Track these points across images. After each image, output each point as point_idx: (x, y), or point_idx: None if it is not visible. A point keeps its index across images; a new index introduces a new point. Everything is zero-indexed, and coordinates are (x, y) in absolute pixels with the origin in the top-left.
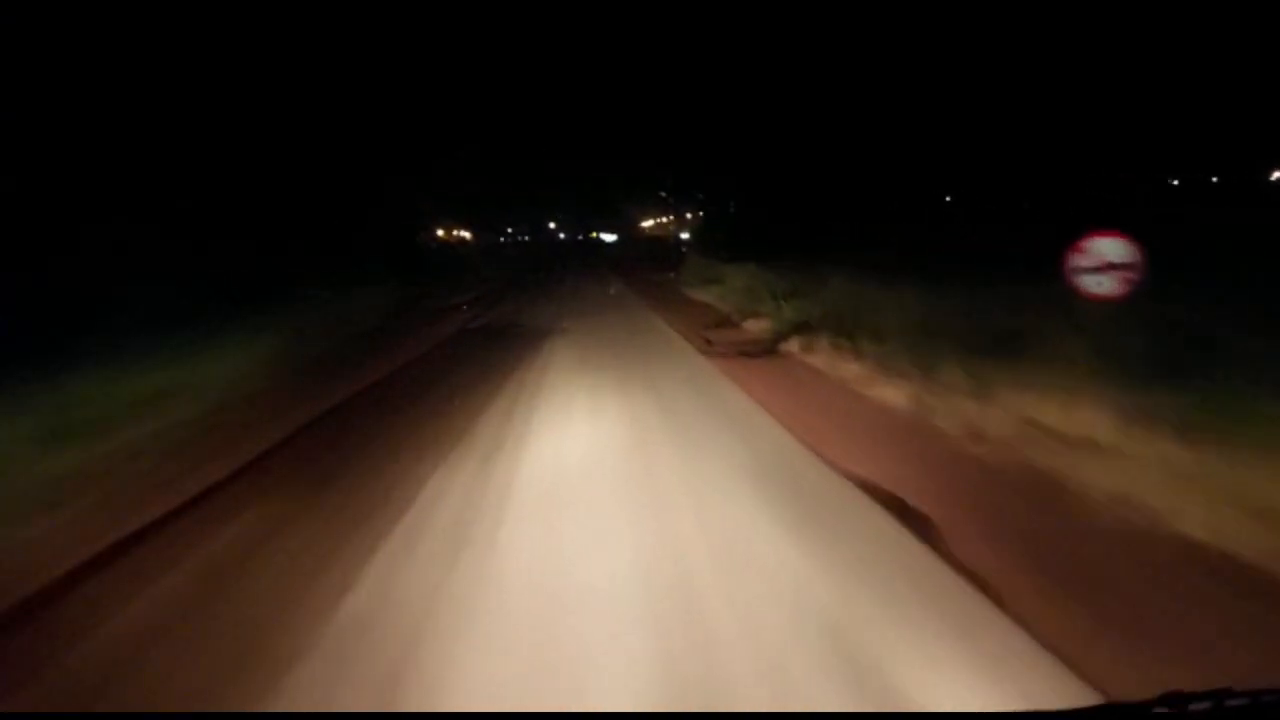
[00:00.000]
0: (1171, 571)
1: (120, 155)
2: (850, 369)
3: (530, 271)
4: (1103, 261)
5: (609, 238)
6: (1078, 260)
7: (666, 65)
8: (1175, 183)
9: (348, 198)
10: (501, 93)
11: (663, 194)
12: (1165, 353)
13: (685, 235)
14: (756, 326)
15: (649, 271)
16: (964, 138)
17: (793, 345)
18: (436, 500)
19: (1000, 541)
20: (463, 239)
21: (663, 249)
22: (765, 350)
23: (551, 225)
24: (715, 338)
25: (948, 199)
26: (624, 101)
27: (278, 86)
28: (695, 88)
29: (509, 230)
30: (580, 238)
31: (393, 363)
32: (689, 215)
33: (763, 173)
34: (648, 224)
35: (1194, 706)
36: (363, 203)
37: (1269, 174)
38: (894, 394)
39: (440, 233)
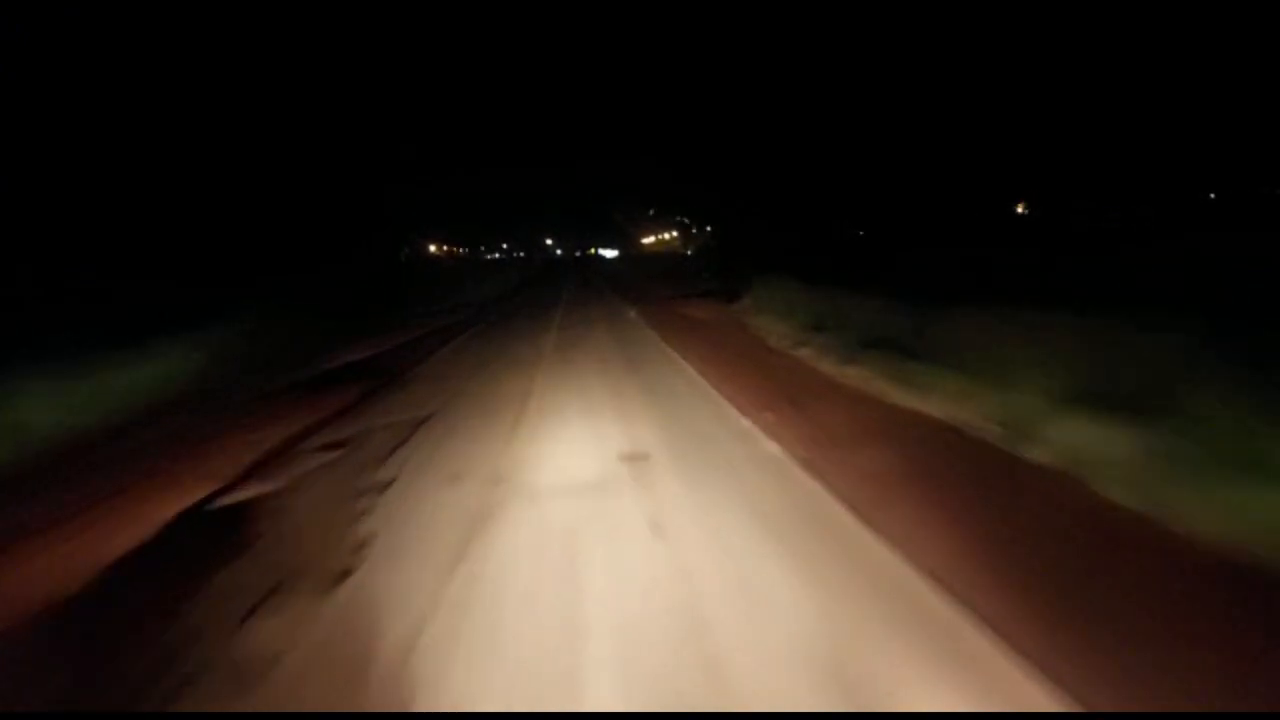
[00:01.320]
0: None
1: None
2: None
3: (513, 293)
4: None
5: (609, 253)
6: None
7: (679, 72)
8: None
9: (322, 215)
10: (501, 104)
11: (680, 218)
12: None
13: (688, 251)
14: None
15: (680, 301)
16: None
17: None
18: None
19: None
20: (454, 254)
21: (676, 266)
22: None
23: (548, 241)
24: None
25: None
26: (629, 112)
27: (260, 95)
28: (710, 95)
29: (504, 246)
30: (578, 253)
31: None
32: (694, 230)
33: (796, 190)
34: (649, 240)
35: None
36: (339, 219)
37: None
38: None
39: (432, 248)
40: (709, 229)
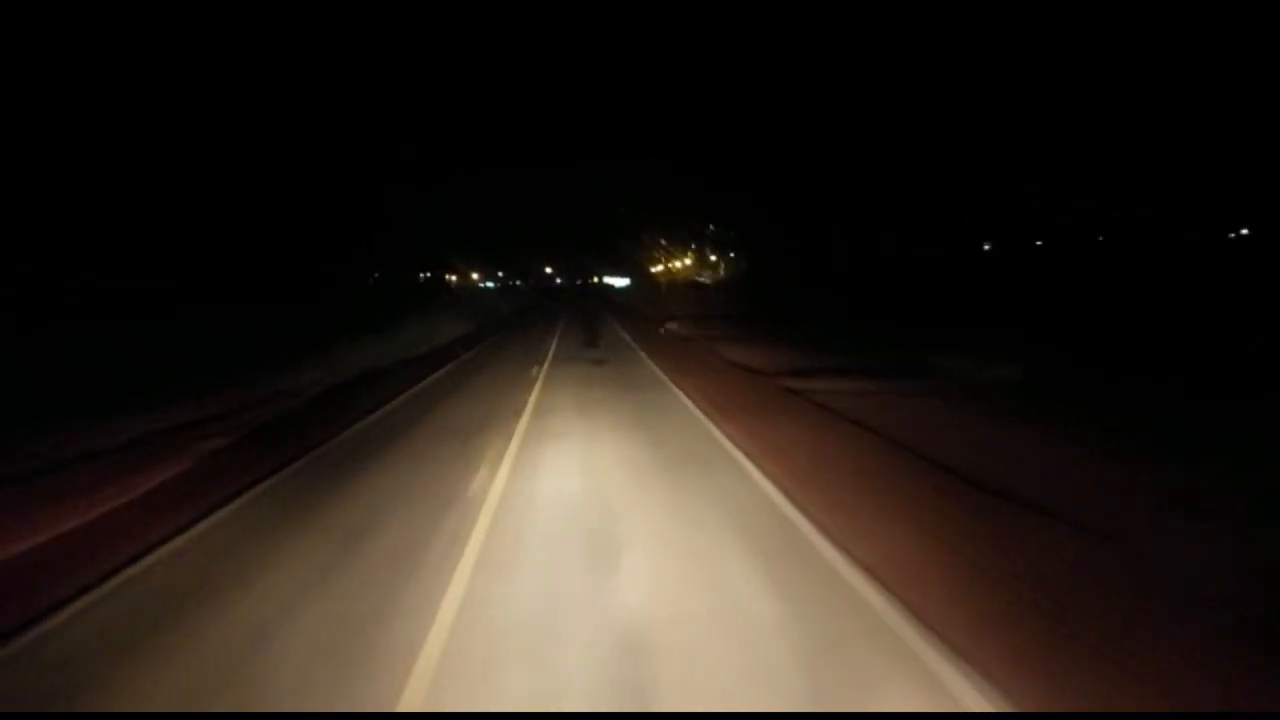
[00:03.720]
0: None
1: None
2: None
3: (472, 344)
4: None
5: (619, 282)
6: None
7: (692, 62)
8: None
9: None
10: (501, 104)
11: (708, 229)
12: None
13: (702, 279)
14: None
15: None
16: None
17: None
18: None
19: None
20: (450, 282)
21: (731, 306)
22: None
23: (548, 269)
24: None
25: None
26: (640, 108)
27: (259, 96)
28: (738, 103)
29: (499, 274)
30: (579, 281)
31: None
32: (714, 257)
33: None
34: (657, 269)
35: None
36: (332, 233)
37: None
38: None
39: (423, 275)
40: (732, 255)
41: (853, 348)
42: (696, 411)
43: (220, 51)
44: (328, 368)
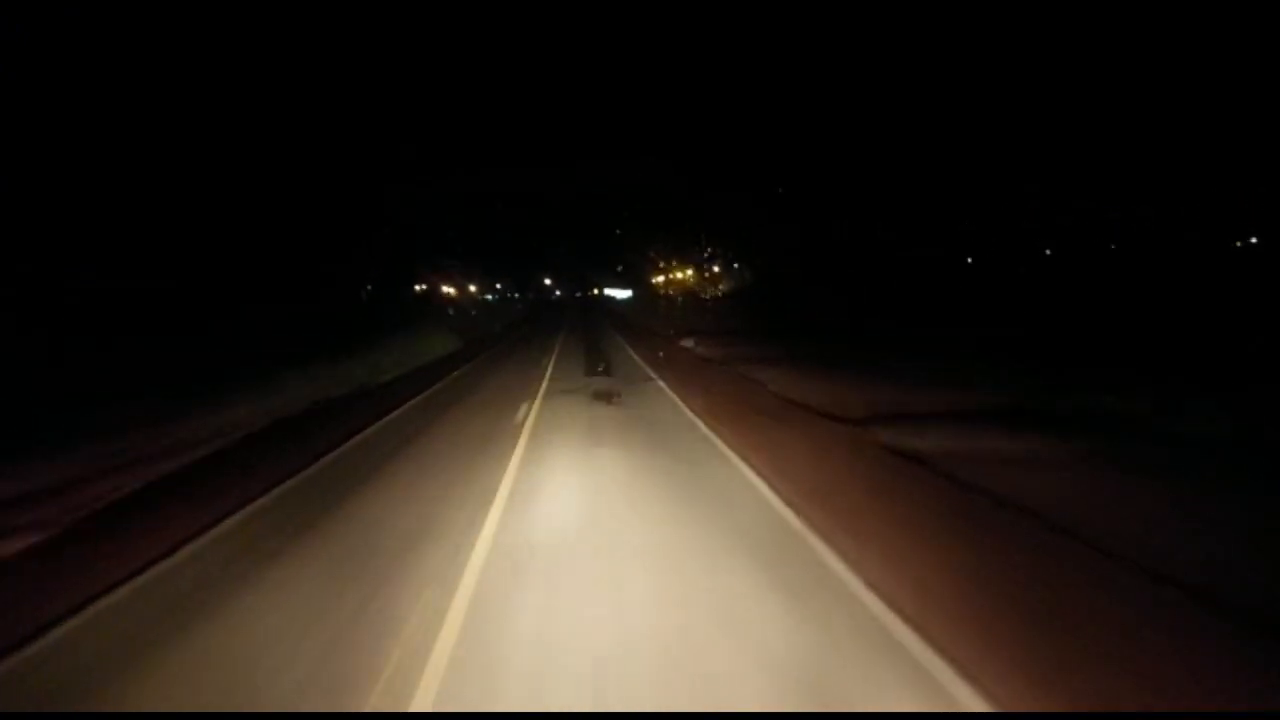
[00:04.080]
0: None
1: None
2: None
3: (454, 368)
4: None
5: (620, 294)
6: None
7: (695, 62)
8: None
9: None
10: (500, 103)
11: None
12: None
13: (707, 294)
14: None
15: None
16: None
17: None
18: None
19: None
20: (448, 296)
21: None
22: None
23: (547, 281)
24: None
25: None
26: (640, 108)
27: (259, 97)
28: (738, 103)
29: (498, 287)
30: (579, 293)
31: None
32: (716, 268)
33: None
34: (658, 280)
35: None
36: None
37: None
38: None
39: (418, 288)
40: (735, 265)
41: (920, 373)
42: (784, 509)
43: (220, 51)
44: (270, 399)
